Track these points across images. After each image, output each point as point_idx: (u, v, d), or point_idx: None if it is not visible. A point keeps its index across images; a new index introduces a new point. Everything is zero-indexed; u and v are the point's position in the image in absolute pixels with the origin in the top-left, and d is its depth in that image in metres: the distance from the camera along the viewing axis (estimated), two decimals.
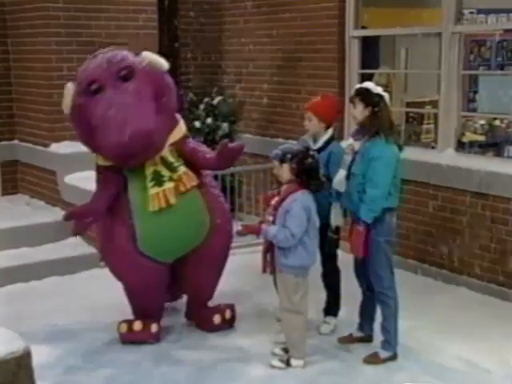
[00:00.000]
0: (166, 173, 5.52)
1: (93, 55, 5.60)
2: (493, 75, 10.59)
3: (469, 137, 9.55)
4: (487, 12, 10.36)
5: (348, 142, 5.53)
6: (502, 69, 11.00)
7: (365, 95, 5.34)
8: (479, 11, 10.32)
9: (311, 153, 5.28)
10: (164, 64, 5.54)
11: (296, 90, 8.44)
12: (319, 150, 5.76)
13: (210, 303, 6.11)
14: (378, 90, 5.37)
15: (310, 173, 5.20)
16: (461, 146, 7.48)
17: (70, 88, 5.45)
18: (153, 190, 5.46)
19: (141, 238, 5.52)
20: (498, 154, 9.35)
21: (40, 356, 4.72)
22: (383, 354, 5.43)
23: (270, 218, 5.27)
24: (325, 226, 5.56)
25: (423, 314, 6.05)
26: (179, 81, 9.69)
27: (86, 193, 7.48)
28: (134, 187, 5.55)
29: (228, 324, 6.04)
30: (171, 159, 5.56)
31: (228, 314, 6.02)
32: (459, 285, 6.78)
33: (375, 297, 5.49)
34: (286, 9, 8.61)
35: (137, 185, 5.54)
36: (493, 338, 5.69)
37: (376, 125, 5.26)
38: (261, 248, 5.50)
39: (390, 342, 5.44)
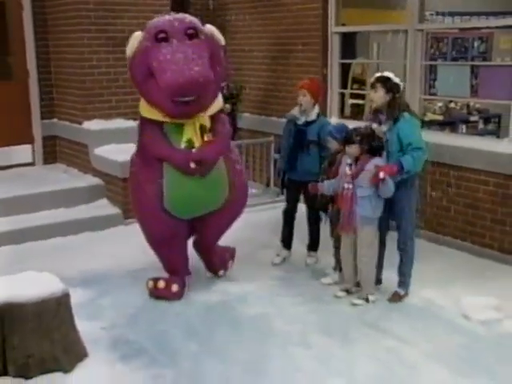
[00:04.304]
0: (197, 142, 5.20)
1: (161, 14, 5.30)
2: (449, 65, 10.53)
3: (430, 116, 9.53)
4: (444, 14, 10.33)
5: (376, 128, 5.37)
6: (456, 60, 10.96)
7: (387, 82, 5.24)
8: (438, 13, 10.28)
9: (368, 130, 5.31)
10: (222, 39, 5.31)
11: (287, 76, 8.40)
12: (311, 122, 5.93)
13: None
14: (397, 79, 5.31)
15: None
16: (423, 124, 7.43)
17: (137, 35, 5.13)
18: None
19: (166, 198, 5.25)
20: (453, 130, 9.33)
21: (76, 296, 4.76)
22: (401, 292, 5.49)
23: (351, 186, 5.22)
24: (312, 181, 5.66)
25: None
26: None
27: (112, 162, 7.62)
28: None
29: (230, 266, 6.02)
30: (207, 126, 5.29)
31: (230, 264, 5.99)
32: (419, 238, 6.77)
33: (399, 247, 5.46)
34: (278, 9, 8.55)
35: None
36: (448, 281, 5.72)
37: (398, 108, 5.22)
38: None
39: (405, 282, 5.49)
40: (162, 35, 4.98)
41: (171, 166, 5.20)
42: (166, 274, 5.68)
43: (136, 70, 5.15)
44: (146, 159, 5.34)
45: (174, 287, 5.51)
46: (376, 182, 5.11)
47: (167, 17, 5.18)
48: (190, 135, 5.21)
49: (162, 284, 5.52)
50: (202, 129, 5.25)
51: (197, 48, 4.99)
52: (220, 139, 5.36)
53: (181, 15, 5.23)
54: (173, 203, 5.28)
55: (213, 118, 5.38)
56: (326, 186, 5.49)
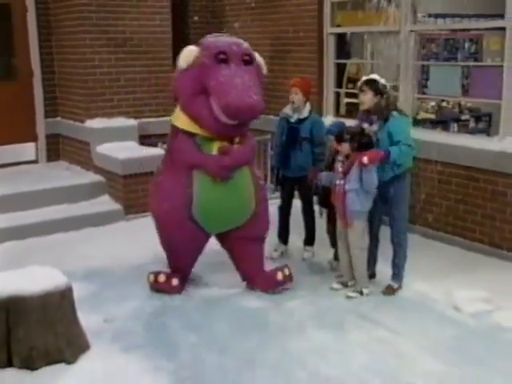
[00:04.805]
0: None
1: (217, 35, 5.32)
2: (441, 66, 10.52)
3: (422, 115, 9.51)
4: (436, 16, 10.33)
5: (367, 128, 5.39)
6: (447, 61, 10.96)
7: (374, 84, 5.27)
8: (430, 15, 10.29)
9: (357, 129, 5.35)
10: (265, 69, 5.38)
11: (284, 76, 8.34)
12: (304, 119, 5.94)
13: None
14: (383, 80, 5.33)
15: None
16: (416, 122, 7.44)
17: (193, 49, 5.07)
18: None
19: (195, 206, 5.16)
20: (445, 129, 9.33)
21: (79, 290, 4.73)
22: (395, 285, 5.50)
23: (342, 182, 5.26)
24: (306, 177, 5.71)
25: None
26: None
27: (114, 159, 7.62)
28: None
29: (289, 280, 5.56)
30: (236, 141, 5.25)
31: (287, 271, 5.54)
32: (413, 232, 6.76)
33: (393, 241, 5.48)
34: (276, 10, 8.54)
35: None
36: (440, 275, 5.71)
37: (387, 107, 5.25)
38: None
39: (398, 275, 5.50)
40: (222, 56, 4.96)
41: (202, 175, 5.15)
42: (166, 268, 5.68)
43: (187, 83, 5.07)
44: (175, 168, 5.27)
45: (174, 281, 5.47)
46: (361, 166, 5.14)
47: (224, 38, 5.21)
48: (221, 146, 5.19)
49: (162, 278, 5.49)
50: (232, 142, 5.23)
51: (252, 75, 5.04)
52: (247, 145, 5.34)
53: (236, 39, 5.25)
54: (201, 212, 5.20)
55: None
56: (324, 176, 5.53)
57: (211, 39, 5.21)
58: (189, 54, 5.07)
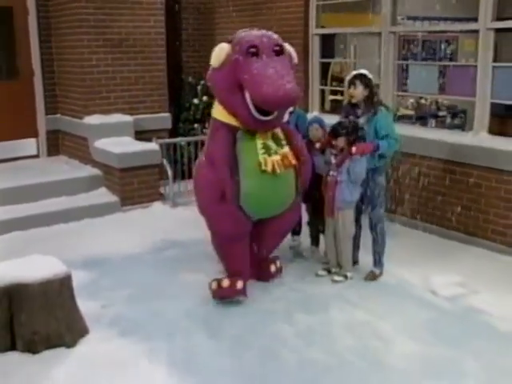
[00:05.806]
0: (273, 146, 4.96)
1: (249, 29, 5.05)
2: (419, 65, 10.54)
3: (402, 111, 9.55)
4: (414, 19, 10.36)
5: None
6: (425, 60, 10.99)
7: (364, 79, 5.25)
8: (409, 18, 10.31)
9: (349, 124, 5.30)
10: (296, 58, 5.15)
11: None
12: (289, 113, 5.88)
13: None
14: (371, 76, 5.32)
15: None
16: (396, 118, 7.45)
17: (225, 46, 4.82)
18: (262, 156, 4.88)
19: (243, 195, 4.88)
20: (424, 124, 9.36)
21: (79, 278, 4.74)
22: (377, 271, 5.51)
23: (335, 173, 5.26)
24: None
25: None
26: (182, 68, 9.59)
27: (110, 154, 7.60)
28: (245, 151, 4.89)
29: (280, 272, 5.54)
30: (281, 136, 5.07)
31: (278, 264, 5.53)
32: (393, 222, 6.80)
33: (372, 228, 5.47)
34: (263, 12, 8.51)
35: (248, 150, 4.88)
36: (419, 261, 5.75)
37: (376, 102, 5.27)
38: None
39: (380, 261, 5.52)
40: (253, 50, 4.75)
41: (247, 162, 4.90)
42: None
43: (222, 80, 4.87)
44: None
45: (239, 284, 5.05)
46: (349, 156, 5.17)
47: (255, 32, 4.96)
48: (264, 140, 4.96)
49: (226, 283, 5.04)
50: (276, 139, 5.06)
51: (284, 64, 4.83)
52: (308, 162, 5.25)
53: (266, 32, 4.98)
54: (248, 200, 4.93)
55: (286, 129, 5.23)
56: (317, 158, 5.44)
57: (241, 34, 4.94)
58: (220, 52, 4.84)
